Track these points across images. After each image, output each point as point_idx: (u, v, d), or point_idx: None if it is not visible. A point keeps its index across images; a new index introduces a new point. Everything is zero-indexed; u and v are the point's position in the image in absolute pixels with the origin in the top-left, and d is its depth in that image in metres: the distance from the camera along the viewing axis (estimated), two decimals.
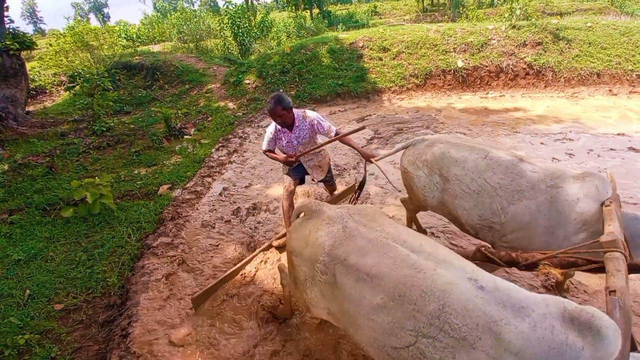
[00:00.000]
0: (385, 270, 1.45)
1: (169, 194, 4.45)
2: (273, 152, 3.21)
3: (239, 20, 12.20)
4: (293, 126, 3.02)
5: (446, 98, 7.98)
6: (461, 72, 8.25)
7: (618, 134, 5.33)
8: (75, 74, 7.56)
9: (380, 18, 18.63)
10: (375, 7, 28.16)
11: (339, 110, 7.66)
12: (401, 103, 7.87)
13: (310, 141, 3.14)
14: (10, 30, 7.88)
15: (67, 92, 8.80)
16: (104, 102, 7.44)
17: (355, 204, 3.06)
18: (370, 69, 8.68)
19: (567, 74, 7.84)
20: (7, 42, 7.41)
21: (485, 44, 8.55)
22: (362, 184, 3.06)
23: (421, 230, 3.29)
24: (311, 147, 3.09)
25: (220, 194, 4.47)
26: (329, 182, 3.63)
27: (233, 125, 7.07)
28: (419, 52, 8.76)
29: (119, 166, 5.51)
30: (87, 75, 7.41)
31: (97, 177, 4.14)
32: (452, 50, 8.65)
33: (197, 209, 4.18)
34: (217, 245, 3.48)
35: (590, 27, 8.73)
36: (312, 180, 3.44)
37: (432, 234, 3.39)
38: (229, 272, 2.99)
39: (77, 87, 7.49)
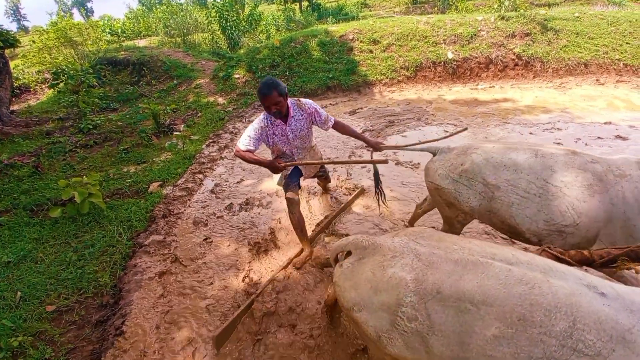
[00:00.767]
0: (492, 293, 1.23)
1: (160, 192, 4.40)
2: (254, 152, 2.62)
3: (226, 13, 11.98)
4: (288, 117, 2.65)
5: (437, 90, 8.00)
6: (451, 63, 8.27)
7: (605, 123, 5.41)
8: (59, 70, 7.38)
9: (370, 10, 18.46)
10: None
11: (330, 104, 7.63)
12: (392, 95, 7.87)
13: (307, 134, 2.83)
14: None
15: (52, 89, 8.59)
16: (90, 99, 7.28)
17: (384, 203, 2.90)
18: (361, 62, 8.64)
19: (555, 64, 7.92)
20: None
21: (475, 35, 8.57)
22: (377, 178, 2.78)
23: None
24: (309, 152, 2.82)
25: (212, 191, 4.43)
26: (322, 176, 3.59)
27: (223, 121, 7.00)
28: (409, 44, 8.75)
29: (108, 164, 5.42)
30: (72, 72, 7.25)
31: (85, 176, 4.06)
32: (442, 41, 8.65)
33: (189, 205, 4.15)
34: (211, 242, 3.46)
35: (578, 17, 8.81)
36: (303, 176, 3.10)
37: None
38: (249, 301, 2.58)
39: (62, 84, 7.32)
